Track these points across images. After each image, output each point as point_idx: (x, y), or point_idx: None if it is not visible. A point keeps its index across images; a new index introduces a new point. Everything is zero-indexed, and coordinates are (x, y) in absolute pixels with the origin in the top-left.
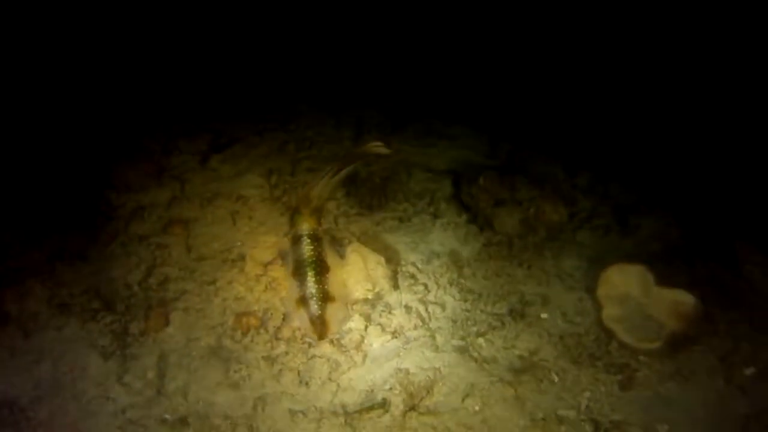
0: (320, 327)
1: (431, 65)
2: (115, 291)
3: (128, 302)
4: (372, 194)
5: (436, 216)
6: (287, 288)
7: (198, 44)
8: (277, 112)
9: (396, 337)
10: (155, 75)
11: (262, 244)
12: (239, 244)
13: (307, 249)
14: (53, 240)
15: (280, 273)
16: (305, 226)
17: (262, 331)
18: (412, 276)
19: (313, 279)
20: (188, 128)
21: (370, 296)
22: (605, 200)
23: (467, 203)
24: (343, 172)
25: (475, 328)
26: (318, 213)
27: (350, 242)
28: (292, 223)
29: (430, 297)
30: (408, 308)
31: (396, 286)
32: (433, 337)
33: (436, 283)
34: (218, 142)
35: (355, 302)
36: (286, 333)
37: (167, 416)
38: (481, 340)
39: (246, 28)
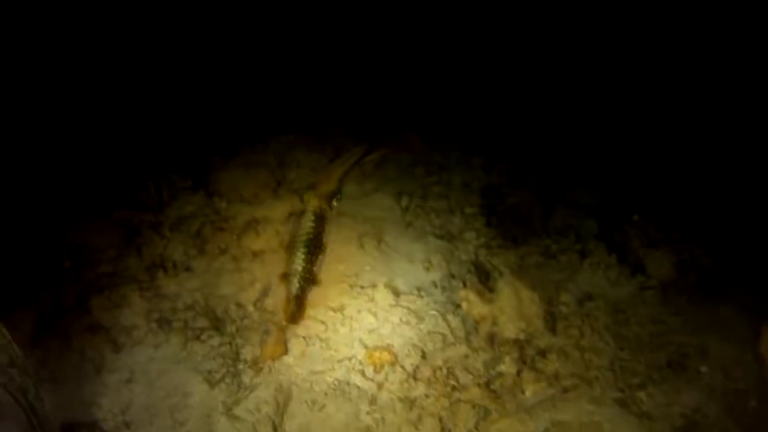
0: (294, 309)
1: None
2: (226, 310)
3: (240, 324)
4: (516, 226)
5: (583, 254)
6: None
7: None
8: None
9: (551, 385)
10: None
11: (396, 271)
12: (368, 268)
13: (306, 225)
14: (154, 247)
15: (417, 305)
16: (313, 203)
17: (398, 368)
18: (566, 318)
19: (302, 257)
20: (309, 141)
21: (522, 337)
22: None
23: (616, 242)
24: (368, 158)
25: (634, 380)
26: (332, 195)
27: (501, 275)
28: (304, 199)
29: (585, 342)
30: (563, 353)
31: (552, 328)
32: (591, 386)
33: (591, 328)
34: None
35: (506, 342)
36: (425, 372)
37: None
38: (641, 394)
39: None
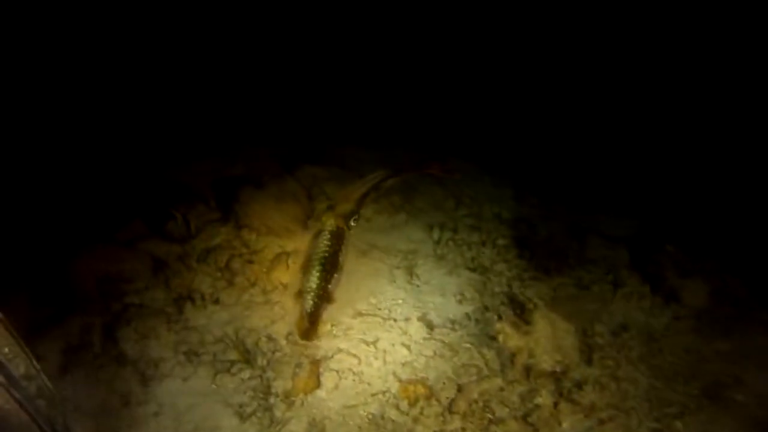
0: (308, 326)
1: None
2: (256, 343)
3: (272, 357)
4: (549, 257)
5: (617, 284)
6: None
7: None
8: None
9: (588, 417)
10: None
11: (428, 304)
12: (400, 301)
13: (323, 243)
14: (182, 278)
15: (451, 338)
16: (330, 222)
17: (433, 401)
18: (601, 348)
19: (317, 275)
20: (336, 173)
21: (558, 368)
22: None
23: (649, 272)
24: (389, 182)
25: (670, 410)
26: (350, 215)
27: (536, 307)
28: (321, 217)
29: (621, 373)
30: (599, 384)
31: (588, 360)
32: (628, 417)
33: (626, 358)
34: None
35: (542, 374)
36: (461, 405)
37: None
38: (678, 424)
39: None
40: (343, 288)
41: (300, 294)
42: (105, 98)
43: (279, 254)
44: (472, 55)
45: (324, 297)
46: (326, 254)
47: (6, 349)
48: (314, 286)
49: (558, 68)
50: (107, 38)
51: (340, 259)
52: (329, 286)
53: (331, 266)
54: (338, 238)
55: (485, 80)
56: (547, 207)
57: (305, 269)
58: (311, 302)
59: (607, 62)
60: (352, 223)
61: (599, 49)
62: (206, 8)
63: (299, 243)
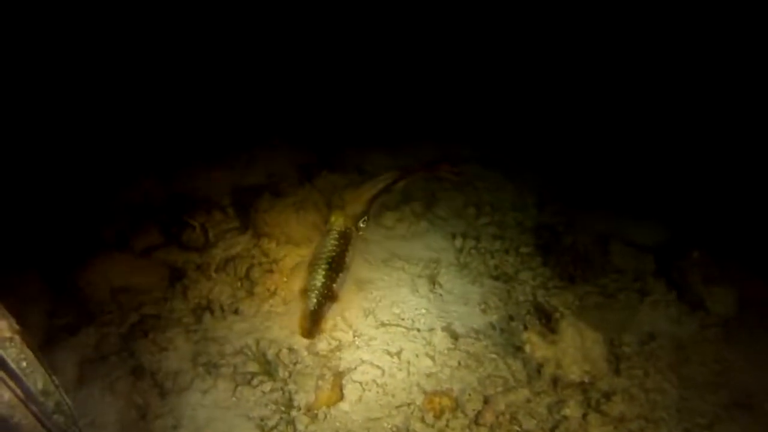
0: (310, 323)
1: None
2: (277, 354)
3: (293, 369)
4: (574, 265)
5: (643, 292)
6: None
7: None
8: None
9: (617, 428)
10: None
11: (452, 313)
12: (424, 311)
13: (330, 243)
14: (200, 288)
15: (476, 348)
16: (339, 222)
17: (459, 414)
18: (629, 358)
19: (323, 273)
20: (354, 180)
21: (586, 379)
22: None
23: (675, 279)
24: (400, 184)
25: (701, 420)
26: (359, 216)
27: (563, 316)
28: (331, 217)
29: (649, 383)
30: (628, 394)
31: (616, 370)
32: (657, 428)
33: (655, 368)
34: (388, 200)
35: (570, 385)
36: (488, 417)
37: None
38: None
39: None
40: (364, 297)
41: (304, 292)
42: (122, 105)
43: (299, 263)
44: (494, 62)
45: (328, 296)
46: (333, 254)
47: (24, 364)
48: (319, 284)
49: (581, 74)
50: (126, 42)
51: (347, 259)
52: (334, 285)
53: (337, 265)
54: (346, 238)
55: (506, 87)
56: (570, 214)
57: (311, 268)
58: (315, 300)
59: (630, 68)
60: (362, 224)
61: (622, 55)
62: (225, 14)
63: None
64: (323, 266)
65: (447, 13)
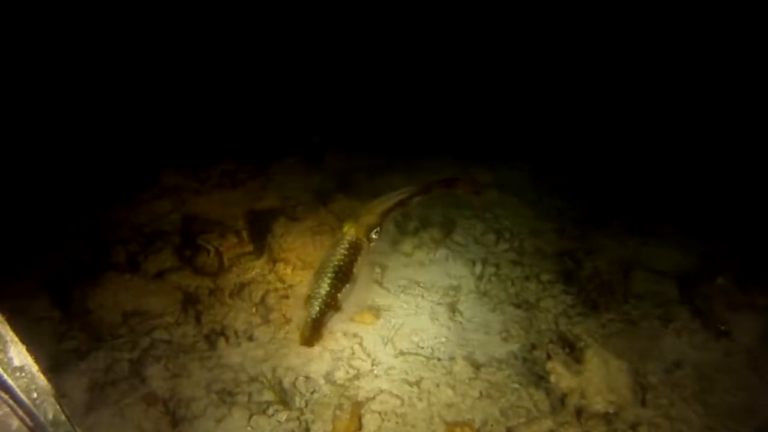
0: (310, 331)
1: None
2: (294, 383)
3: (310, 398)
4: (597, 292)
5: (666, 320)
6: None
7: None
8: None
9: None
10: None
11: (472, 343)
12: (443, 339)
13: (339, 252)
14: (214, 314)
15: (498, 377)
16: (351, 232)
17: None
18: (654, 387)
19: (328, 282)
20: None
21: (611, 409)
22: None
23: (699, 306)
24: (416, 199)
25: None
26: (372, 227)
27: (588, 345)
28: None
29: (675, 412)
30: (654, 425)
31: (642, 400)
32: None
33: (680, 397)
34: (406, 225)
35: (594, 416)
36: None
37: None
38: None
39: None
40: (383, 325)
41: (307, 300)
42: (135, 124)
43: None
44: (509, 87)
45: (331, 305)
46: (341, 263)
47: (35, 395)
48: (323, 292)
49: (598, 99)
50: (141, 61)
51: (355, 270)
52: (338, 295)
53: (343, 275)
54: (356, 249)
55: (521, 113)
56: (590, 240)
57: (317, 275)
58: (317, 308)
59: (652, 91)
60: (374, 236)
61: (645, 78)
62: (244, 37)
63: None
64: (329, 275)
65: (468, 36)
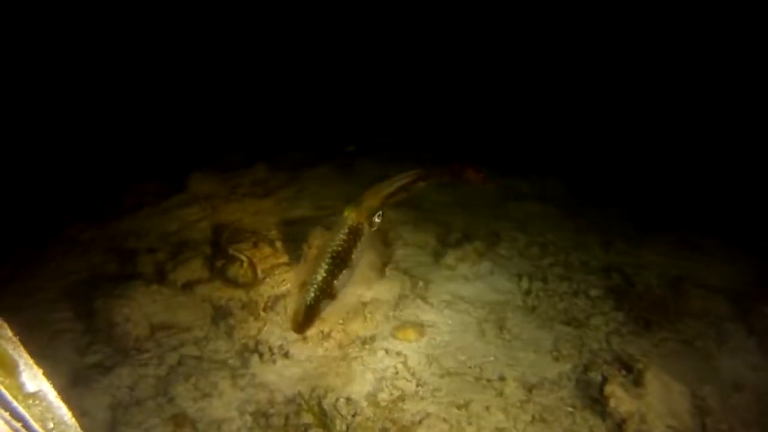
0: (303, 318)
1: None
2: (334, 404)
3: (352, 421)
4: (649, 310)
5: (720, 339)
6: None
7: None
8: (515, 215)
9: None
10: None
11: (522, 363)
12: (492, 359)
13: (339, 238)
14: (247, 328)
15: (549, 400)
16: (352, 217)
17: None
18: (712, 411)
19: (325, 268)
20: (414, 217)
21: None
22: None
23: (754, 324)
24: (420, 184)
25: None
26: (374, 212)
27: (645, 366)
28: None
29: None
30: None
31: (702, 425)
32: None
33: (740, 421)
34: (448, 237)
35: None
36: None
37: None
38: None
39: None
40: (427, 343)
41: (304, 286)
42: (167, 132)
43: (355, 305)
44: (541, 99)
45: (327, 292)
46: (339, 249)
47: (50, 425)
48: (319, 279)
49: (638, 103)
50: (172, 77)
51: (354, 255)
52: (335, 282)
53: (341, 261)
54: (356, 234)
55: (559, 123)
56: (638, 254)
57: (316, 261)
58: (312, 295)
59: (692, 101)
60: (376, 219)
61: (682, 89)
62: (275, 51)
63: (376, 292)
64: (327, 261)
65: (506, 48)
